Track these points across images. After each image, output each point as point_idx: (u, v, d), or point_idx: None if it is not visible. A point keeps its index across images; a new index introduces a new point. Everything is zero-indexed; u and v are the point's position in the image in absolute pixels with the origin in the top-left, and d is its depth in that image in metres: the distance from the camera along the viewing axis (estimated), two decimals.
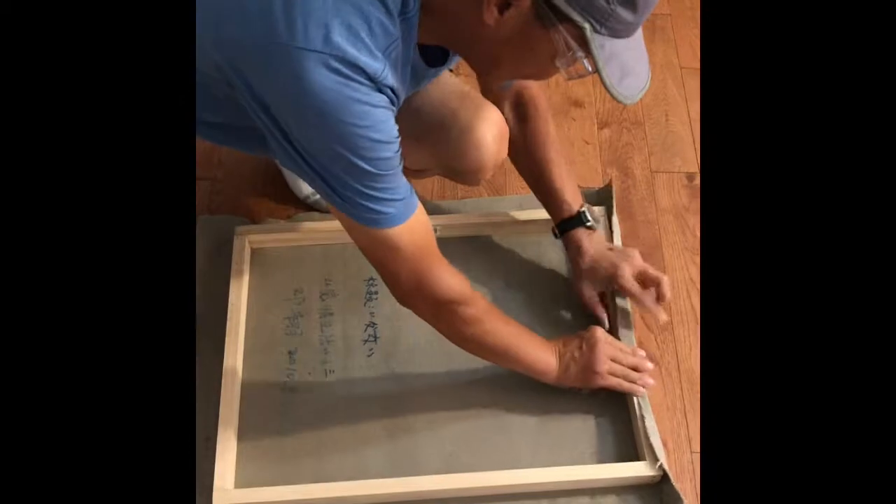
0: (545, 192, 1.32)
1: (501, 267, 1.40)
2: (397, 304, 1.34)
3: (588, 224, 1.30)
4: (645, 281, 1.25)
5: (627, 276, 1.24)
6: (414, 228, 0.98)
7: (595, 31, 0.83)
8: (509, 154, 1.33)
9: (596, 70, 0.85)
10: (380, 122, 0.87)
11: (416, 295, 1.05)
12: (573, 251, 1.31)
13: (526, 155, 1.30)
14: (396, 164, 0.92)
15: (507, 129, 1.22)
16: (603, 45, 0.84)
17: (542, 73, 0.96)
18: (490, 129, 1.18)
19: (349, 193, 0.91)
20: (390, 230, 0.95)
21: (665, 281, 1.25)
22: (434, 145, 0.96)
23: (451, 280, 1.05)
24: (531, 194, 1.36)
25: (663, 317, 1.25)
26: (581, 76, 0.88)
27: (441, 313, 1.08)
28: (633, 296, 1.25)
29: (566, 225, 1.30)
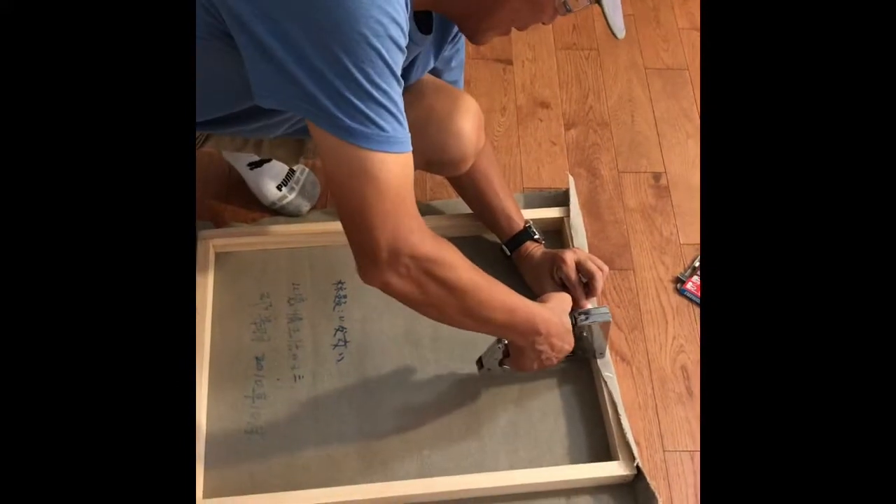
0: (490, 212, 1.34)
1: (489, 267, 1.37)
2: (367, 307, 1.33)
3: (536, 237, 1.33)
4: (581, 272, 1.27)
5: (569, 261, 1.26)
6: (404, 166, 0.89)
7: None
8: (451, 179, 1.36)
9: (596, 0, 0.90)
10: (396, 1, 0.82)
11: (392, 252, 0.92)
12: (524, 264, 1.33)
13: (469, 179, 1.32)
14: (400, 67, 0.86)
15: (482, 116, 1.23)
16: None
17: (539, 14, 0.96)
18: (468, 118, 1.18)
19: (346, 92, 0.82)
20: (380, 154, 0.86)
21: (598, 277, 1.26)
22: (414, 141, 0.94)
23: (429, 236, 0.96)
24: (525, 192, 1.38)
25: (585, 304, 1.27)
26: (580, 9, 0.92)
27: (419, 274, 0.95)
28: (569, 282, 1.27)
29: (516, 240, 1.33)
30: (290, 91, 0.84)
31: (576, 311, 1.20)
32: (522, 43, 1.77)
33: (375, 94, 0.83)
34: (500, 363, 1.21)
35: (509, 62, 1.74)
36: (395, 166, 0.87)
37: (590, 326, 1.20)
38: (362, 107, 0.83)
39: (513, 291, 1.08)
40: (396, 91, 0.86)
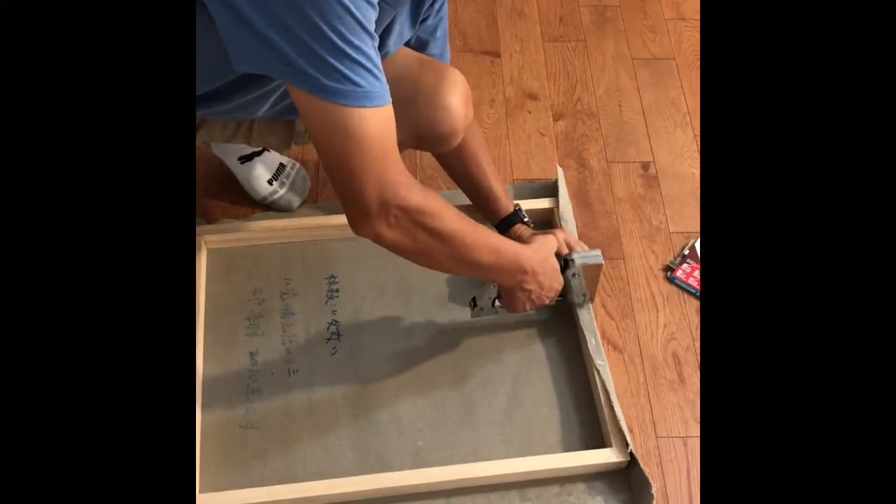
0: (480, 194, 1.35)
1: None
2: (359, 301, 1.34)
3: (525, 220, 1.34)
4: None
5: (559, 243, 1.27)
6: (385, 119, 0.90)
7: None
8: (441, 161, 1.36)
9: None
10: None
11: (381, 205, 0.94)
12: None
13: (458, 160, 1.32)
14: (372, 23, 0.87)
15: (469, 89, 1.23)
16: None
17: None
18: (456, 92, 1.19)
19: (320, 50, 0.83)
20: (358, 110, 0.87)
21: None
22: (403, 118, 0.94)
23: (416, 188, 0.98)
24: (515, 184, 1.40)
25: None
26: None
27: (408, 224, 0.98)
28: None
29: (506, 223, 1.34)
30: (266, 54, 0.85)
31: (567, 253, 1.24)
32: (510, 35, 1.78)
33: (348, 50, 0.84)
34: (493, 303, 1.24)
35: (497, 54, 1.75)
36: (375, 120, 0.89)
37: (581, 268, 1.23)
38: (337, 64, 0.84)
39: (497, 234, 1.13)
40: (370, 46, 0.87)
